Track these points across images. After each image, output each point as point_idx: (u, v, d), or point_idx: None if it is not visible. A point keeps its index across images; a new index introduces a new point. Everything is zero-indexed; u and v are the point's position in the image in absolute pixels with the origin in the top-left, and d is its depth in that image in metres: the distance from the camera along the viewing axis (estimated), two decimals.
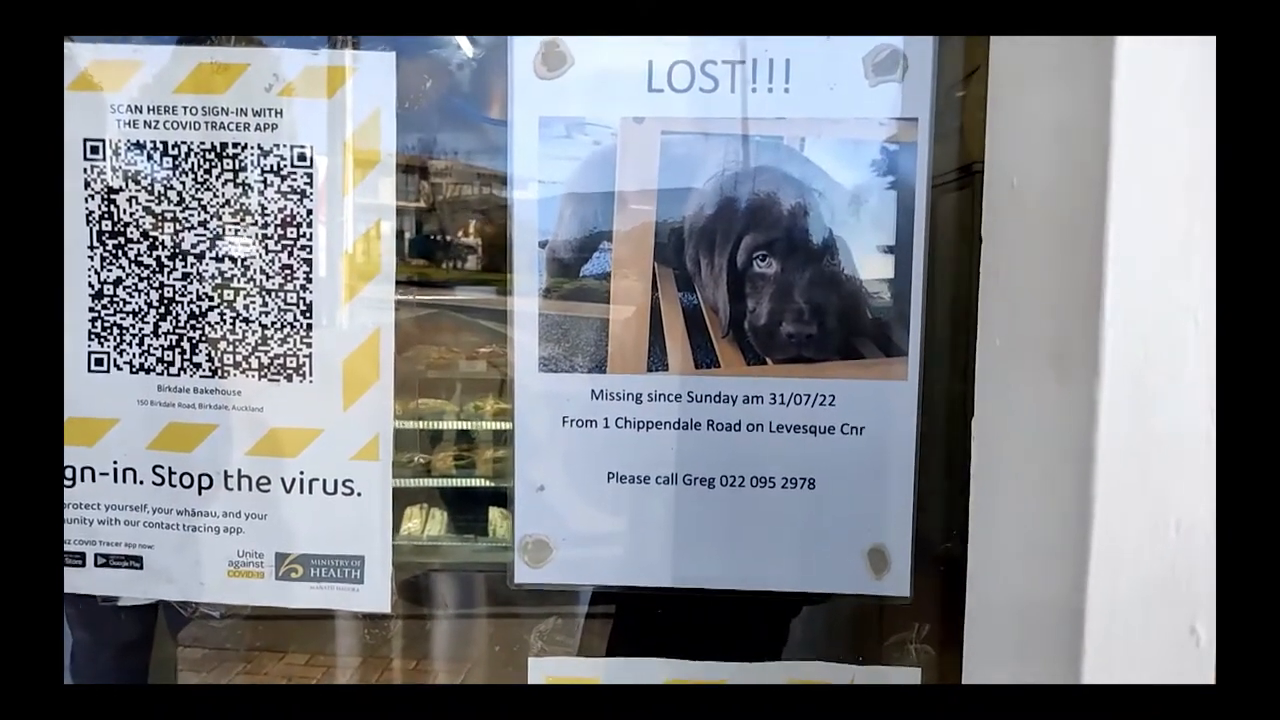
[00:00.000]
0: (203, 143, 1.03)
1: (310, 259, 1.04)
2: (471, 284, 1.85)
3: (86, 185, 1.04)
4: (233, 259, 1.04)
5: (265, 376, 1.04)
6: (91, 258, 1.04)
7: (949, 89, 0.99)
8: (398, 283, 1.05)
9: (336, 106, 1.02)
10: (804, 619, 1.10)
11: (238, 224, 1.03)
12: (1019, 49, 0.83)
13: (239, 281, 1.04)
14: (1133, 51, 0.68)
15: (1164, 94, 0.68)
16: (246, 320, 1.04)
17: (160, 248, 1.04)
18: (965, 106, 0.98)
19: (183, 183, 1.03)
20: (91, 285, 1.05)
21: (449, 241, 2.12)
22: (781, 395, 1.01)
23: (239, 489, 1.06)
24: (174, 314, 1.05)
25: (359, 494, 1.06)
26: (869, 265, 1.00)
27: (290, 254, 1.03)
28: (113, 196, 1.04)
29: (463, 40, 1.15)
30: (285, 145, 1.02)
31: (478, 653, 1.79)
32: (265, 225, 1.03)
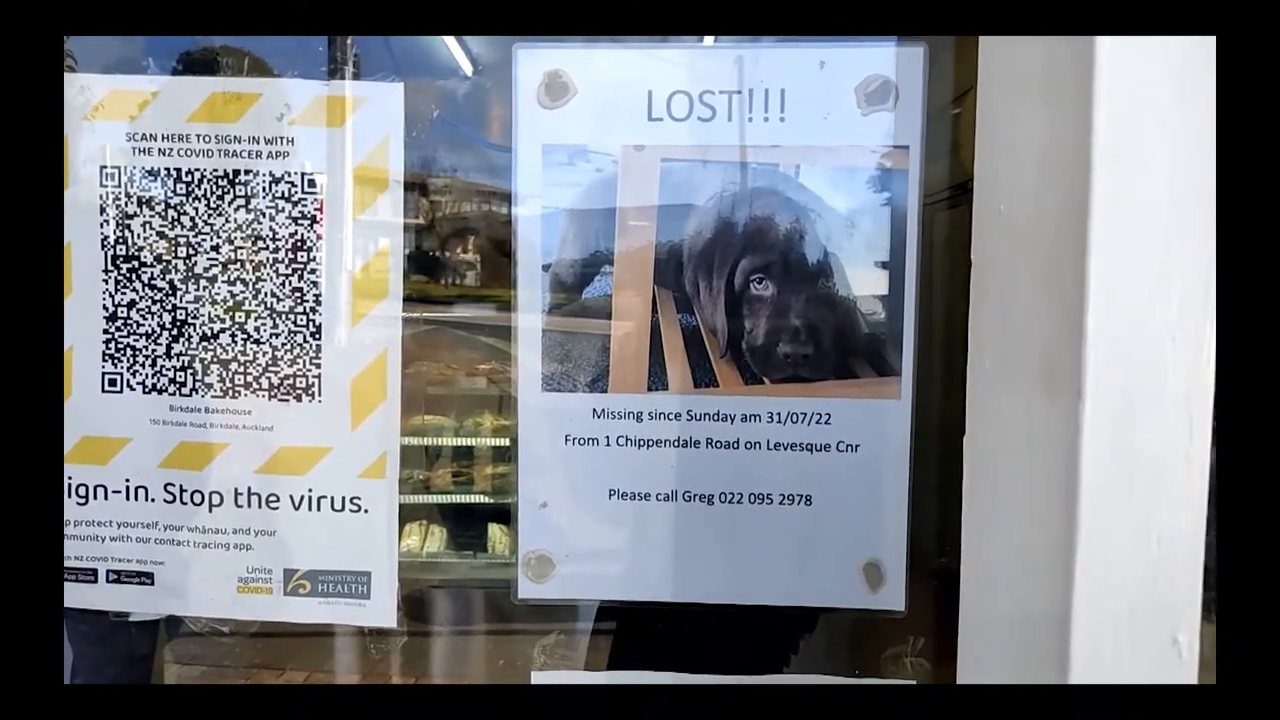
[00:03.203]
0: (215, 170, 1.06)
1: (319, 281, 1.07)
2: (472, 300, 1.88)
3: (102, 211, 1.06)
4: (244, 282, 1.07)
5: (275, 396, 1.07)
6: (106, 281, 1.07)
7: (942, 109, 1.02)
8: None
9: (346, 135, 1.05)
10: (801, 633, 1.12)
11: (249, 248, 1.06)
12: (1004, 71, 0.86)
13: (250, 304, 1.07)
14: (1113, 77, 0.71)
15: (1144, 119, 0.71)
16: (257, 341, 1.07)
17: (173, 271, 1.07)
18: (959, 125, 1.01)
19: (196, 208, 1.06)
20: (106, 308, 1.07)
21: (450, 258, 2.14)
22: (778, 414, 1.04)
23: (249, 506, 1.08)
24: (186, 336, 1.07)
25: (366, 511, 1.08)
26: (863, 287, 1.03)
27: (300, 277, 1.06)
28: (127, 222, 1.06)
29: (468, 69, 1.18)
30: (296, 172, 1.05)
31: (478, 668, 1.80)
32: (276, 249, 1.06)
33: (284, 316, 1.07)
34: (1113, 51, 0.70)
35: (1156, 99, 0.70)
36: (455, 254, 2.15)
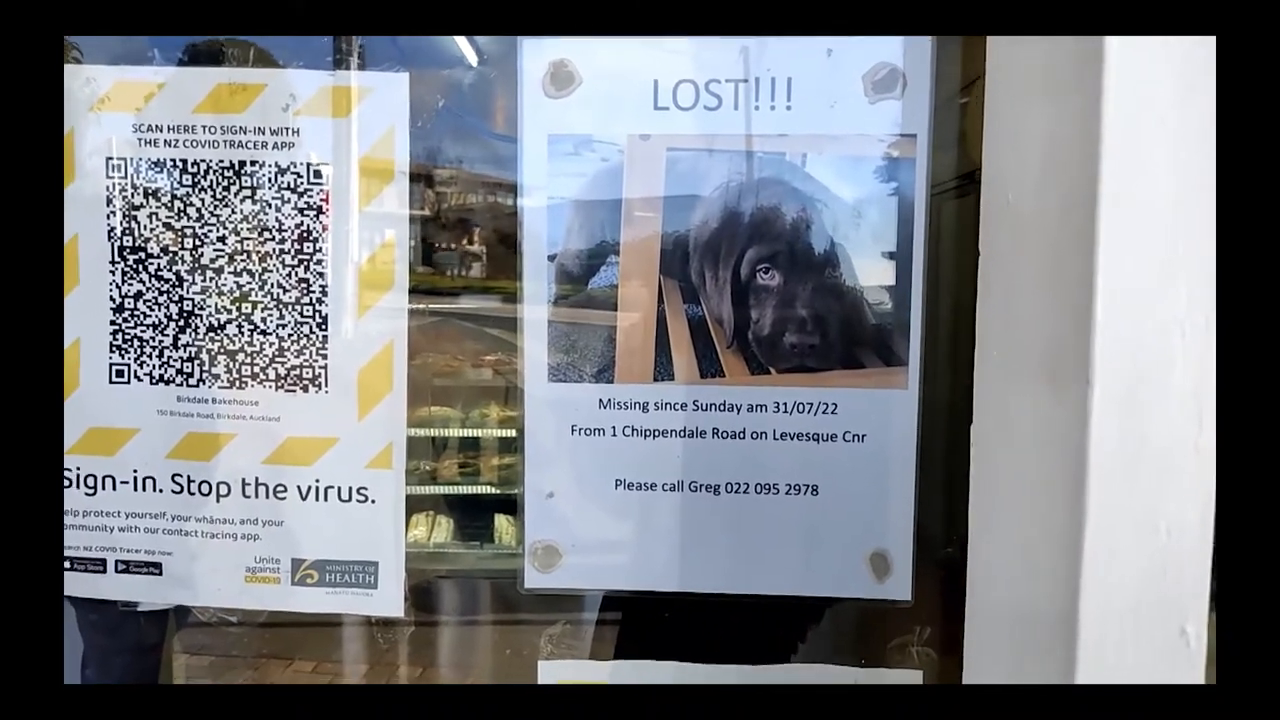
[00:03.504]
0: (221, 160, 1.06)
1: (325, 272, 1.07)
2: (477, 292, 1.88)
3: (108, 202, 1.07)
4: (250, 273, 1.07)
5: (282, 387, 1.07)
6: (113, 272, 1.07)
7: (950, 98, 1.01)
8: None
9: (351, 125, 1.05)
10: (808, 623, 1.12)
11: (255, 239, 1.06)
12: (1013, 65, 0.85)
13: (256, 295, 1.07)
14: (1121, 72, 0.70)
15: (1151, 113, 0.70)
16: (264, 332, 1.07)
17: (180, 262, 1.07)
18: (966, 114, 1.00)
19: (202, 199, 1.06)
20: (113, 299, 1.07)
21: (455, 250, 2.15)
22: (785, 404, 1.04)
23: (256, 497, 1.09)
24: (193, 327, 1.08)
25: (373, 501, 1.08)
26: (870, 277, 1.03)
27: (306, 268, 1.06)
28: (134, 213, 1.07)
29: (472, 59, 1.18)
30: (301, 163, 1.05)
31: (484, 658, 1.81)
32: (282, 240, 1.06)
33: (290, 307, 1.07)
34: (1116, 51, 0.70)
35: (1158, 97, 0.70)
36: (461, 245, 2.15)
